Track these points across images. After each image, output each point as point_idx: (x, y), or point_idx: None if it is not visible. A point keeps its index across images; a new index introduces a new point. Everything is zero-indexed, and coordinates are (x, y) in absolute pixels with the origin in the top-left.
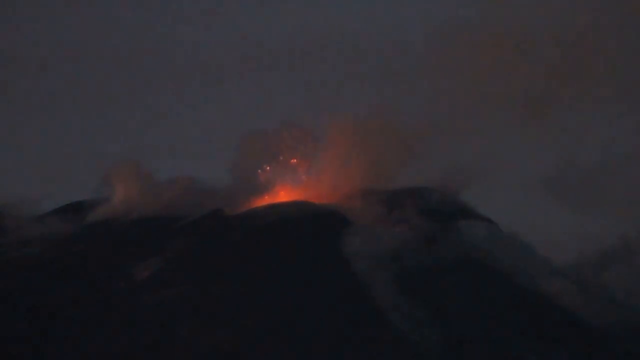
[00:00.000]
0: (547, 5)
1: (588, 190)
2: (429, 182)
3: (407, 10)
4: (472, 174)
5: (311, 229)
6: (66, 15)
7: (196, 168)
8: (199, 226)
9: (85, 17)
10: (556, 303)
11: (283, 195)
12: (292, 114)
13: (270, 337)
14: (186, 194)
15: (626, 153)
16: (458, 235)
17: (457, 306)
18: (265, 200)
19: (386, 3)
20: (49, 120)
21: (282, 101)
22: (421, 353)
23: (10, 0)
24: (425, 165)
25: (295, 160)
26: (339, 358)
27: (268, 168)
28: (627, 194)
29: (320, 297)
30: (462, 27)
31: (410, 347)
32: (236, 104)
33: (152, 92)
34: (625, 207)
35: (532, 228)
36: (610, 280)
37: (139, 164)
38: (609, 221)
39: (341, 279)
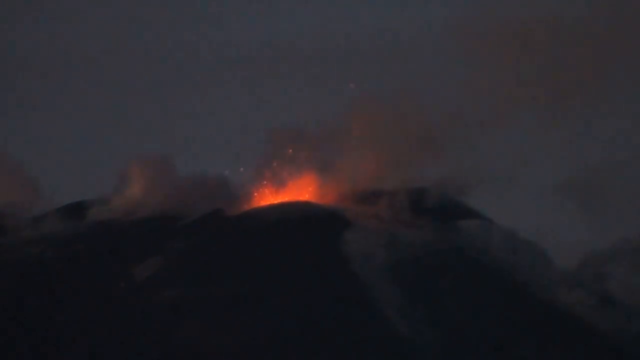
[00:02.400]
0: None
1: (599, 191)
2: (430, 182)
3: (423, 4)
4: (476, 175)
5: (312, 229)
6: (81, 10)
7: (220, 167)
8: (199, 226)
9: (101, 12)
10: (558, 304)
11: (280, 194)
12: (315, 111)
13: (271, 337)
14: (197, 193)
15: (630, 152)
16: (459, 235)
17: (457, 307)
18: (267, 200)
19: None
20: (50, 120)
21: (306, 100)
22: (421, 353)
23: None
24: (429, 165)
25: (291, 151)
26: (339, 358)
27: (242, 170)
28: (634, 193)
29: (321, 298)
30: (476, 24)
31: (410, 347)
32: (259, 103)
33: (151, 92)
34: (633, 208)
35: (536, 229)
36: (613, 280)
37: (162, 159)
38: (616, 222)
39: (341, 280)
